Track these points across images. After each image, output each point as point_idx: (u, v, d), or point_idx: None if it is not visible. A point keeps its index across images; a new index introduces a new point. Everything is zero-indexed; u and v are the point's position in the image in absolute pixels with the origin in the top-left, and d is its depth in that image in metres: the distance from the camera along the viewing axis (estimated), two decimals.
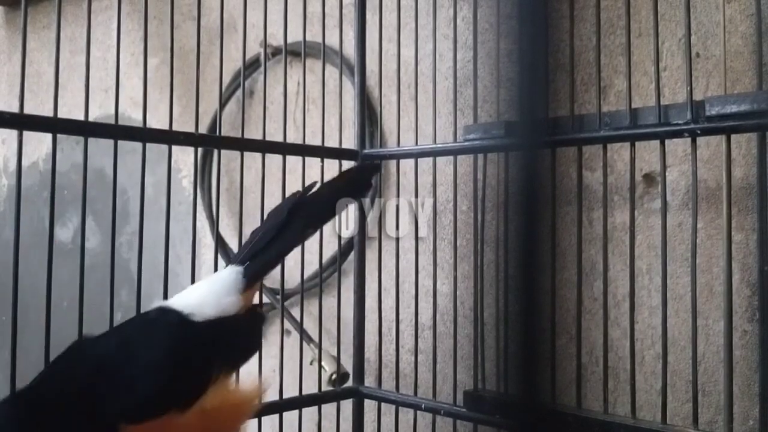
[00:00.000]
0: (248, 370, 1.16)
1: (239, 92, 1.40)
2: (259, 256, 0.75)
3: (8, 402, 0.57)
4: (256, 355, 0.99)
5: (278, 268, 1.02)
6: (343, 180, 0.85)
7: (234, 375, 0.70)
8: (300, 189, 1.03)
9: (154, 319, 0.65)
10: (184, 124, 0.97)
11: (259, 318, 0.73)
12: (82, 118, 0.84)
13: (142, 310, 0.77)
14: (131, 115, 1.69)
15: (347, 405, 1.10)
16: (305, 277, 1.08)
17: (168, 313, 0.66)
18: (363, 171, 0.91)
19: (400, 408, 1.04)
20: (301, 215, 0.77)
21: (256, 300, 0.76)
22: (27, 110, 0.79)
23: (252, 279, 0.73)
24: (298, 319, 1.17)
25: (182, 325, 0.64)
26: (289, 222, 0.76)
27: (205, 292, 0.70)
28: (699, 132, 0.79)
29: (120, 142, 0.86)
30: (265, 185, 0.99)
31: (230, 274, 0.73)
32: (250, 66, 1.40)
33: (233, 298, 0.70)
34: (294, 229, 0.76)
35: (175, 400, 0.59)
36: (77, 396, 0.57)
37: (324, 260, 1.14)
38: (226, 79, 1.41)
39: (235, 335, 0.69)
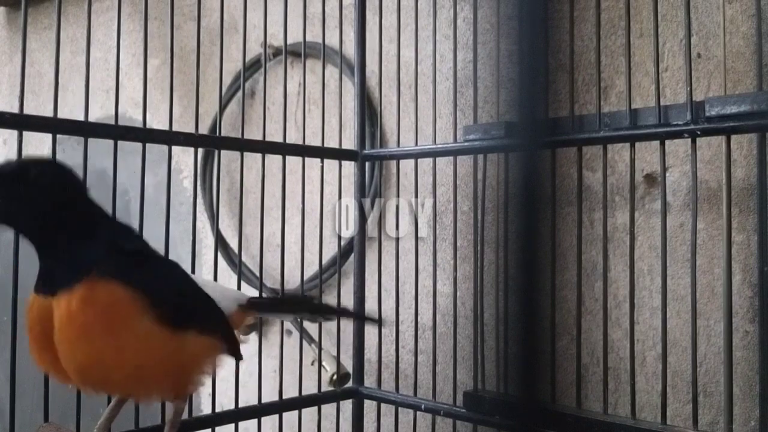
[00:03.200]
0: (249, 371, 1.17)
1: (240, 93, 1.40)
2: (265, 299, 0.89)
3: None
4: (256, 356, 0.99)
5: (278, 268, 1.02)
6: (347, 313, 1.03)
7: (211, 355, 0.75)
8: (300, 189, 1.03)
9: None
10: (184, 124, 0.97)
11: (237, 349, 0.80)
12: (82, 118, 0.84)
13: None
14: (132, 116, 1.69)
15: (347, 405, 1.10)
16: (306, 277, 1.08)
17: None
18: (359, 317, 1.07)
19: (400, 408, 1.04)
20: (314, 304, 0.94)
21: (246, 321, 0.85)
22: (29, 111, 0.79)
23: (251, 304, 0.82)
24: (299, 319, 1.17)
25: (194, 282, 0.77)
26: (304, 299, 0.94)
27: (216, 285, 0.80)
28: (699, 132, 0.79)
29: (121, 143, 0.86)
30: (265, 185, 0.99)
31: (238, 291, 0.84)
32: (251, 66, 1.40)
33: (232, 304, 0.79)
34: (303, 303, 0.92)
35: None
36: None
37: (324, 261, 1.14)
38: (227, 80, 1.41)
39: (224, 325, 0.77)
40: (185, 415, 0.90)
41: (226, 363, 0.78)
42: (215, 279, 0.95)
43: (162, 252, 0.89)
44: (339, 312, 0.97)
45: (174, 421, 0.75)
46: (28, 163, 0.68)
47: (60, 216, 0.67)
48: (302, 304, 0.91)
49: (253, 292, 1.24)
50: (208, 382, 0.79)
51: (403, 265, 1.10)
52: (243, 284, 1.02)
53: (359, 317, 1.00)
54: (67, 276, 0.65)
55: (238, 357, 0.79)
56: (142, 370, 0.67)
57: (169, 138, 0.91)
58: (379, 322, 1.06)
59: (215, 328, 0.74)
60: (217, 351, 0.74)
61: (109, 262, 0.66)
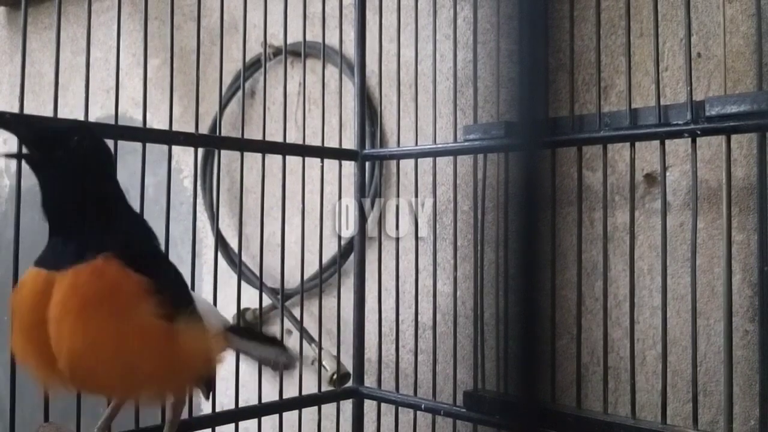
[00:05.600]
0: (249, 371, 1.17)
1: (240, 92, 1.40)
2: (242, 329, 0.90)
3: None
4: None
5: (278, 268, 1.02)
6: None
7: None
8: (300, 189, 1.03)
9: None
10: (185, 124, 0.97)
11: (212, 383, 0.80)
12: (83, 118, 0.84)
13: None
14: (132, 116, 1.69)
15: (347, 405, 1.10)
16: (306, 277, 1.08)
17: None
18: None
19: (400, 408, 1.04)
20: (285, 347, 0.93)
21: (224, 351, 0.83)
22: (30, 111, 0.79)
23: (230, 330, 0.82)
24: (299, 319, 1.17)
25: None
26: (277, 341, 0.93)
27: (205, 303, 0.81)
28: (699, 132, 0.79)
29: (121, 143, 0.86)
30: (265, 185, 0.99)
31: (223, 316, 0.84)
32: (251, 66, 1.40)
33: (216, 322, 0.80)
34: (276, 343, 0.91)
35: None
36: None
37: (324, 260, 1.14)
38: (227, 80, 1.41)
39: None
40: (185, 415, 0.90)
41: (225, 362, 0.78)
42: (215, 279, 0.95)
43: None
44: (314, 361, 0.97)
45: (174, 422, 0.75)
46: (71, 128, 0.68)
47: (87, 189, 0.67)
48: (275, 344, 0.89)
49: (254, 292, 1.24)
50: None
51: (403, 265, 1.10)
52: (243, 284, 1.02)
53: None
54: (80, 252, 0.64)
55: (209, 391, 0.78)
56: (137, 363, 0.65)
57: (169, 138, 0.91)
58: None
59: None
60: (213, 351, 0.74)
61: (122, 246, 0.66)
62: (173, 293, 0.69)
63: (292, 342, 1.26)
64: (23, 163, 0.72)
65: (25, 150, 0.67)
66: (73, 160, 0.66)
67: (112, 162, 0.72)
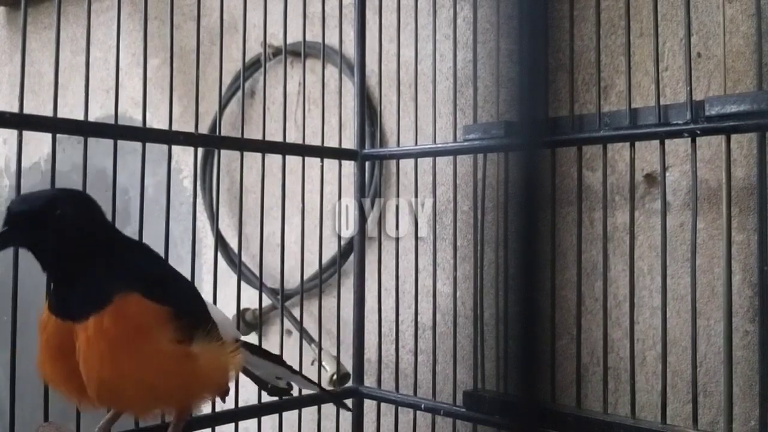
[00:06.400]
0: None
1: (240, 92, 1.40)
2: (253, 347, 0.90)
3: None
4: None
5: (278, 268, 1.02)
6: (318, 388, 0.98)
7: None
8: (300, 189, 1.03)
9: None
10: (185, 124, 0.97)
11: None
12: (82, 118, 0.84)
13: None
14: (132, 116, 1.69)
15: (347, 405, 1.10)
16: (306, 277, 1.08)
17: None
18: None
19: (399, 408, 1.04)
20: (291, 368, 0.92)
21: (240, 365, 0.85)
22: (30, 110, 0.79)
23: (243, 345, 0.84)
24: (299, 319, 1.17)
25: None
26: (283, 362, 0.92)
27: (217, 312, 0.82)
28: (699, 132, 0.79)
29: (121, 143, 0.86)
30: (265, 185, 0.99)
31: (234, 328, 0.87)
32: (251, 66, 1.40)
33: (231, 333, 0.82)
34: (279, 363, 0.91)
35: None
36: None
37: (324, 261, 1.14)
38: (227, 80, 1.41)
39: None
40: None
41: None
42: (215, 279, 0.95)
43: (162, 252, 0.89)
44: (312, 384, 0.96)
45: (178, 425, 0.75)
46: (53, 198, 0.68)
47: (82, 248, 0.69)
48: (282, 364, 0.90)
49: (253, 292, 1.24)
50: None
51: (403, 265, 1.10)
52: (243, 284, 1.02)
53: (329, 396, 1.00)
54: (91, 303, 0.66)
55: (225, 394, 0.81)
56: (158, 385, 0.69)
57: (169, 138, 0.91)
58: (345, 407, 1.03)
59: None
60: (229, 366, 0.76)
61: (134, 282, 0.68)
62: (191, 317, 0.72)
63: (292, 342, 1.26)
64: (22, 162, 0.72)
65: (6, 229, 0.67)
66: (60, 229, 0.67)
67: (99, 213, 0.72)
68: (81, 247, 0.69)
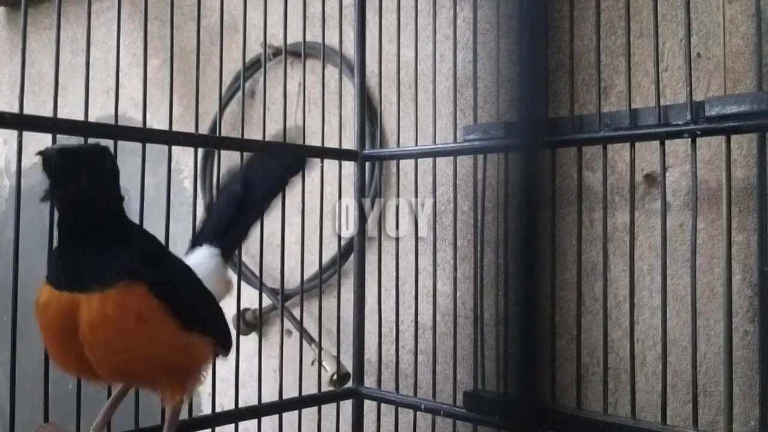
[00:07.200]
0: (249, 371, 1.17)
1: (240, 93, 1.40)
2: (229, 233, 0.86)
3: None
4: (256, 356, 0.99)
5: (278, 268, 1.02)
6: (275, 161, 0.94)
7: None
8: (300, 189, 1.03)
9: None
10: (185, 124, 0.97)
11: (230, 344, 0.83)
12: (82, 118, 0.84)
13: None
14: (132, 116, 1.69)
15: (347, 405, 1.10)
16: (306, 277, 1.08)
17: None
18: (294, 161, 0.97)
19: (400, 408, 1.04)
20: (255, 190, 0.87)
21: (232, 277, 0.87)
22: (29, 111, 0.79)
23: (228, 257, 0.84)
24: (299, 319, 1.17)
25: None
26: (246, 196, 0.86)
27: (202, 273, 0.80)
28: (699, 132, 0.79)
29: (121, 143, 0.86)
30: None
31: (211, 257, 0.83)
32: (251, 66, 1.40)
33: (221, 281, 0.82)
34: (253, 203, 0.86)
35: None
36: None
37: (324, 261, 1.14)
38: (227, 80, 1.41)
39: (223, 323, 0.81)
40: (185, 416, 0.90)
41: (225, 362, 0.79)
42: None
43: None
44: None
45: (172, 421, 0.75)
46: (103, 151, 0.69)
47: (106, 210, 0.69)
48: (255, 201, 0.89)
49: (253, 292, 1.24)
50: (208, 381, 0.79)
51: (403, 265, 1.10)
52: (243, 284, 1.02)
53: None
54: (99, 274, 0.67)
55: (227, 351, 0.82)
56: (161, 366, 0.71)
57: (169, 138, 0.91)
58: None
59: (215, 330, 0.78)
60: (210, 354, 0.77)
61: (140, 266, 0.68)
62: (187, 304, 0.73)
63: (292, 342, 1.26)
64: (22, 162, 0.72)
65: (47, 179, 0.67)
66: (97, 186, 0.67)
67: (118, 186, 0.72)
68: (107, 207, 0.69)
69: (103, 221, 0.69)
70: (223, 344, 0.80)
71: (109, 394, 0.79)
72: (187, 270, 0.77)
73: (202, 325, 0.75)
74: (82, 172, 0.66)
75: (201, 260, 0.82)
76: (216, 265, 0.82)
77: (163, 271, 0.72)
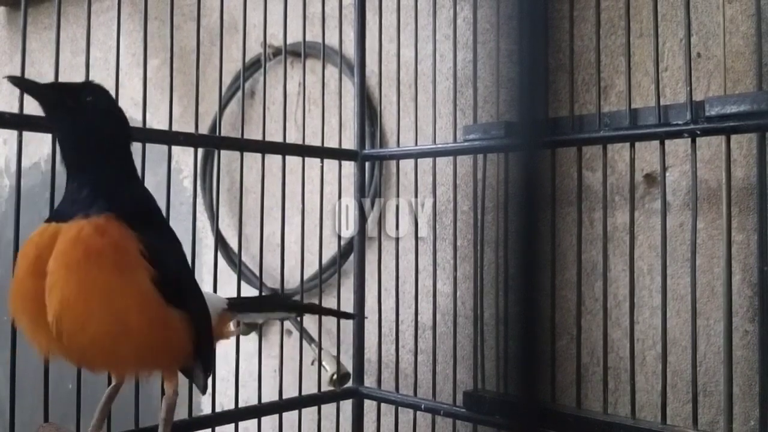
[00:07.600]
0: (249, 371, 1.17)
1: (240, 93, 1.40)
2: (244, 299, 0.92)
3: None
4: (256, 356, 0.99)
5: (278, 268, 1.02)
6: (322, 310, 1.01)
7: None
8: (300, 189, 1.03)
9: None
10: (185, 124, 0.97)
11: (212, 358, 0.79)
12: None
13: None
14: (132, 116, 1.68)
15: (347, 405, 1.10)
16: (306, 277, 1.08)
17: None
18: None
19: (400, 408, 1.04)
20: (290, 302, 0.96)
21: (229, 326, 0.86)
22: (29, 111, 0.79)
23: (231, 306, 0.83)
24: (299, 319, 1.17)
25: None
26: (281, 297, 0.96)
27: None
28: (699, 132, 0.79)
29: None
30: (265, 185, 0.99)
31: (218, 296, 0.84)
32: (251, 66, 1.40)
33: (214, 312, 0.79)
34: (280, 303, 0.94)
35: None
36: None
37: (324, 261, 1.14)
38: (227, 80, 1.41)
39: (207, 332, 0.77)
40: (185, 416, 0.90)
41: (225, 362, 0.78)
42: (215, 278, 0.95)
43: None
44: (314, 310, 0.98)
45: (167, 419, 0.74)
46: (86, 86, 0.71)
47: (101, 142, 0.69)
48: (279, 303, 0.92)
49: (253, 292, 1.24)
50: (207, 382, 0.79)
51: (403, 265, 1.10)
52: (243, 284, 1.02)
53: (333, 313, 1.00)
54: (87, 206, 0.66)
55: (206, 376, 0.76)
56: (126, 322, 0.63)
57: (169, 138, 0.91)
58: (353, 316, 1.06)
59: (199, 324, 0.72)
60: (190, 343, 0.71)
61: (129, 210, 0.67)
62: (172, 276, 0.68)
63: (292, 342, 1.26)
64: (22, 162, 0.72)
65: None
66: (85, 113, 0.68)
67: (125, 125, 0.73)
68: (101, 140, 0.69)
69: (98, 152, 0.68)
70: (203, 364, 0.74)
71: (109, 384, 0.79)
72: (179, 243, 0.74)
73: (185, 307, 0.69)
74: (84, 90, 0.69)
75: (212, 294, 0.83)
76: (220, 300, 0.83)
77: (148, 216, 0.70)
